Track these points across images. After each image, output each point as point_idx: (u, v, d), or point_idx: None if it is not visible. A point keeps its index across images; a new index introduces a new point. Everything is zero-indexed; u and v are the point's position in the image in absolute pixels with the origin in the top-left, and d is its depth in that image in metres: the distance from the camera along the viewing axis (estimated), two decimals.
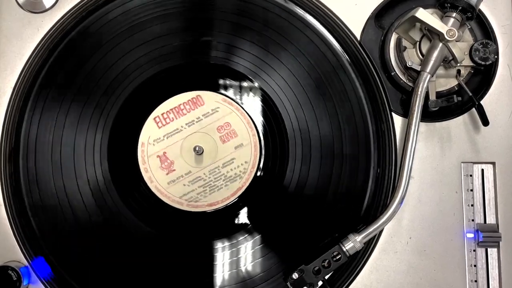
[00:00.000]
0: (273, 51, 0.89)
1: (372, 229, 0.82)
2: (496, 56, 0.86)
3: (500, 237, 0.86)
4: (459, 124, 0.89)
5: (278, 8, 0.90)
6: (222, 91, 0.89)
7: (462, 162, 0.89)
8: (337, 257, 0.82)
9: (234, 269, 0.86)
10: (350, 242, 0.82)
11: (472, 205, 0.88)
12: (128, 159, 0.88)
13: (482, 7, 0.89)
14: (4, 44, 0.90)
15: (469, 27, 0.89)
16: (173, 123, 0.88)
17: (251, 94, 0.89)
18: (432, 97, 0.86)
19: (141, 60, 0.88)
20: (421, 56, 0.88)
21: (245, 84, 0.89)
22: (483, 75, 0.90)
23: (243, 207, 0.88)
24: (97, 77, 0.88)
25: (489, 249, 0.88)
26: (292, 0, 0.90)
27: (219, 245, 0.87)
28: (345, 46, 0.90)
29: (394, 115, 0.89)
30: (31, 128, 0.87)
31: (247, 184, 0.88)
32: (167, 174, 0.87)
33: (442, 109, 0.87)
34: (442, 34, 0.82)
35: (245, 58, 0.89)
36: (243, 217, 0.88)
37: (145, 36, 0.88)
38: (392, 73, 0.89)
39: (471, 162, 0.89)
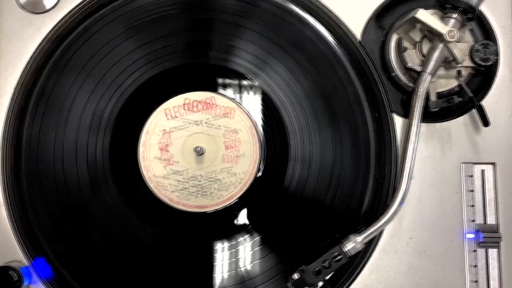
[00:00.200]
0: (274, 52, 0.89)
1: (372, 229, 0.82)
2: (496, 57, 0.86)
3: (501, 237, 0.87)
4: (459, 124, 0.90)
5: (277, 9, 0.90)
6: (233, 96, 0.89)
7: (462, 163, 0.89)
8: (338, 258, 0.82)
9: (234, 270, 0.86)
10: (351, 242, 0.82)
11: (472, 206, 0.88)
12: (129, 154, 0.88)
13: (483, 8, 0.89)
14: (5, 44, 0.90)
15: (470, 28, 0.89)
16: (182, 118, 0.88)
17: (251, 94, 0.89)
18: (433, 97, 0.86)
19: (141, 61, 0.88)
20: (421, 57, 0.88)
21: (246, 84, 0.89)
22: (483, 75, 0.90)
23: (244, 208, 0.88)
24: (98, 77, 0.88)
25: (489, 250, 0.88)
26: (292, 0, 0.90)
27: (219, 245, 0.87)
28: (345, 47, 0.90)
29: (394, 115, 0.90)
30: (32, 128, 0.87)
31: (248, 185, 0.88)
32: (164, 167, 0.87)
33: (443, 109, 0.87)
34: (443, 35, 0.82)
35: (246, 59, 0.89)
36: (243, 218, 0.88)
37: (146, 37, 0.88)
38: (393, 74, 0.89)
39: (472, 163, 0.89)
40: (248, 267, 0.86)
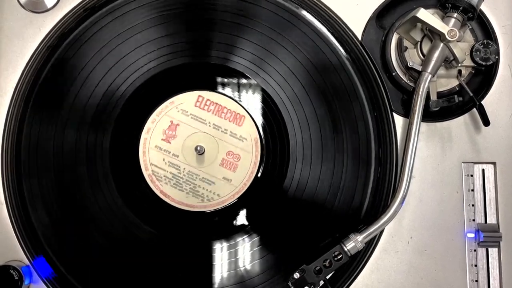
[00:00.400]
0: (274, 52, 0.89)
1: (373, 229, 0.82)
2: (497, 57, 0.86)
3: (501, 237, 0.87)
4: (460, 124, 0.90)
5: (279, 8, 0.90)
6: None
7: (463, 162, 0.89)
8: (338, 257, 0.82)
9: (234, 270, 0.86)
10: (351, 242, 0.82)
11: (473, 205, 0.88)
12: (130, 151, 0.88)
13: (483, 7, 0.89)
14: (6, 44, 0.90)
15: (470, 27, 0.89)
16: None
17: (250, 93, 0.89)
18: (433, 97, 0.86)
19: (141, 61, 0.88)
20: (422, 56, 0.88)
21: (245, 82, 0.89)
22: (484, 75, 0.90)
23: (244, 208, 0.88)
24: (98, 77, 0.88)
25: (489, 249, 0.88)
26: (293, 0, 0.91)
27: (218, 245, 0.87)
28: (346, 46, 0.90)
29: (395, 115, 0.90)
30: (32, 127, 0.87)
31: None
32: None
33: (443, 109, 0.87)
34: (443, 34, 0.82)
35: (246, 58, 0.89)
36: (243, 218, 0.88)
37: (146, 36, 0.88)
38: (393, 73, 0.89)
39: (472, 162, 0.89)
40: (248, 267, 0.86)
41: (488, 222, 0.88)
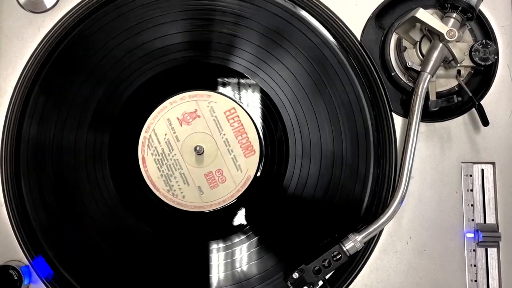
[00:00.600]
0: (273, 52, 0.89)
1: (372, 228, 0.82)
2: (496, 57, 0.86)
3: (500, 237, 0.87)
4: (459, 124, 0.90)
5: (278, 8, 0.90)
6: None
7: (462, 162, 0.89)
8: (338, 257, 0.82)
9: (231, 270, 0.86)
10: (351, 241, 0.82)
11: (472, 205, 0.89)
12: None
13: (482, 7, 0.89)
14: (5, 44, 0.90)
15: (469, 27, 0.89)
16: (228, 127, 0.88)
17: (250, 93, 0.89)
18: (432, 97, 0.86)
19: (141, 61, 0.88)
20: (421, 57, 0.88)
21: (244, 82, 0.89)
22: (483, 75, 0.90)
23: (243, 207, 0.88)
24: (98, 77, 0.88)
25: (489, 249, 0.88)
26: (292, 0, 0.91)
27: (217, 245, 0.87)
28: (345, 46, 0.90)
29: (394, 115, 0.90)
30: (31, 127, 0.87)
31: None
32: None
33: (442, 109, 0.87)
34: (442, 34, 0.82)
35: (245, 58, 0.89)
36: (242, 218, 0.88)
37: (146, 37, 0.88)
38: (392, 73, 0.89)
39: (471, 162, 0.89)
40: (246, 267, 0.86)
41: (487, 222, 0.88)
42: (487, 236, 0.86)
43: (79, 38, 0.89)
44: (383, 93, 0.89)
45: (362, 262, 0.87)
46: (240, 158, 0.88)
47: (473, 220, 0.88)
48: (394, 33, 0.89)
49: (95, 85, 0.88)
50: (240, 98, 0.88)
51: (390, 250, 0.88)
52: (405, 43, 0.89)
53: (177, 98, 0.88)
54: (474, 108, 0.88)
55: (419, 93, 0.84)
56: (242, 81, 0.89)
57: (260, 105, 0.89)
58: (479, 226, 0.88)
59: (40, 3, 0.91)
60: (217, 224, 0.88)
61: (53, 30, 0.90)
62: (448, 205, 0.88)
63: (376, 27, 0.91)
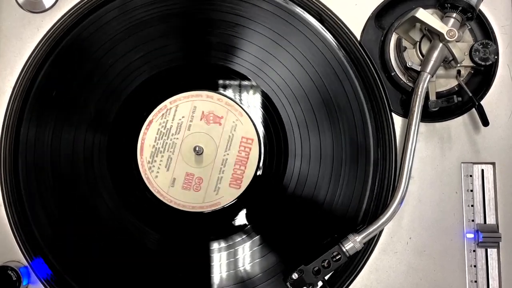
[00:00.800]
0: (273, 52, 0.89)
1: (372, 229, 0.82)
2: (496, 57, 0.86)
3: (500, 237, 0.86)
4: (459, 124, 0.89)
5: (277, 8, 0.90)
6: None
7: (462, 163, 0.89)
8: (337, 257, 0.82)
9: (234, 270, 0.86)
10: (350, 242, 0.82)
11: (472, 206, 0.88)
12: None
13: (482, 7, 0.89)
14: (4, 44, 0.90)
15: (469, 27, 0.89)
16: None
17: (251, 93, 0.89)
18: (432, 97, 0.86)
19: (141, 60, 0.88)
20: (421, 57, 0.88)
21: (245, 83, 0.89)
22: (483, 75, 0.90)
23: (243, 207, 0.88)
24: (97, 77, 0.88)
25: (489, 250, 0.88)
26: (292, 0, 0.90)
27: (218, 245, 0.87)
28: (345, 46, 0.90)
29: (394, 115, 0.89)
30: (30, 128, 0.87)
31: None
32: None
33: (442, 109, 0.87)
34: (442, 34, 0.82)
35: (245, 59, 0.89)
36: (242, 217, 0.88)
37: (145, 36, 0.88)
38: (392, 73, 0.89)
39: (471, 163, 0.89)
40: (247, 267, 0.86)
41: (487, 222, 0.88)
42: (487, 236, 0.86)
43: (78, 38, 0.89)
44: (383, 93, 0.89)
45: (362, 262, 0.87)
46: (224, 183, 0.87)
47: (473, 220, 0.88)
48: (394, 33, 0.89)
49: (94, 85, 0.88)
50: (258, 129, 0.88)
51: (390, 250, 0.88)
52: (405, 43, 0.89)
53: (215, 95, 0.88)
54: (474, 108, 0.87)
55: (419, 93, 0.84)
56: (244, 82, 0.89)
57: (260, 106, 0.89)
58: (479, 227, 0.88)
59: (39, 3, 0.91)
60: (217, 224, 0.88)
61: (52, 30, 0.90)
62: (448, 205, 0.88)
63: (376, 27, 0.91)
